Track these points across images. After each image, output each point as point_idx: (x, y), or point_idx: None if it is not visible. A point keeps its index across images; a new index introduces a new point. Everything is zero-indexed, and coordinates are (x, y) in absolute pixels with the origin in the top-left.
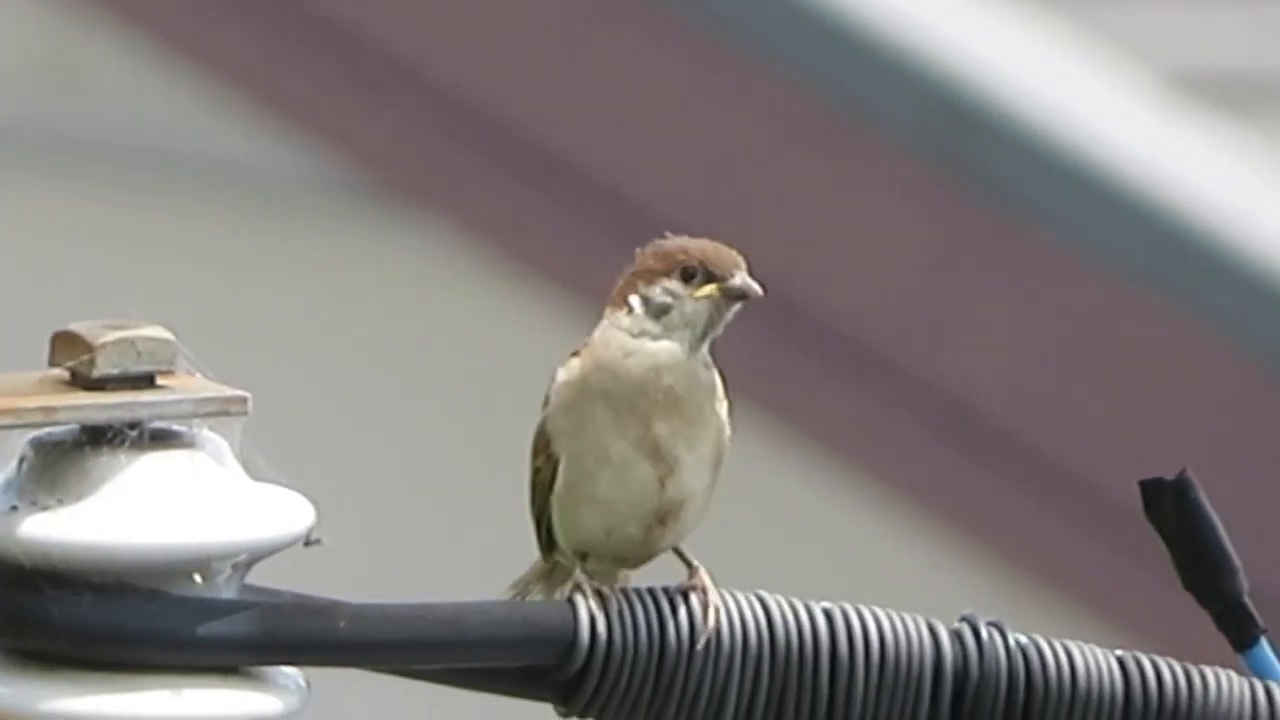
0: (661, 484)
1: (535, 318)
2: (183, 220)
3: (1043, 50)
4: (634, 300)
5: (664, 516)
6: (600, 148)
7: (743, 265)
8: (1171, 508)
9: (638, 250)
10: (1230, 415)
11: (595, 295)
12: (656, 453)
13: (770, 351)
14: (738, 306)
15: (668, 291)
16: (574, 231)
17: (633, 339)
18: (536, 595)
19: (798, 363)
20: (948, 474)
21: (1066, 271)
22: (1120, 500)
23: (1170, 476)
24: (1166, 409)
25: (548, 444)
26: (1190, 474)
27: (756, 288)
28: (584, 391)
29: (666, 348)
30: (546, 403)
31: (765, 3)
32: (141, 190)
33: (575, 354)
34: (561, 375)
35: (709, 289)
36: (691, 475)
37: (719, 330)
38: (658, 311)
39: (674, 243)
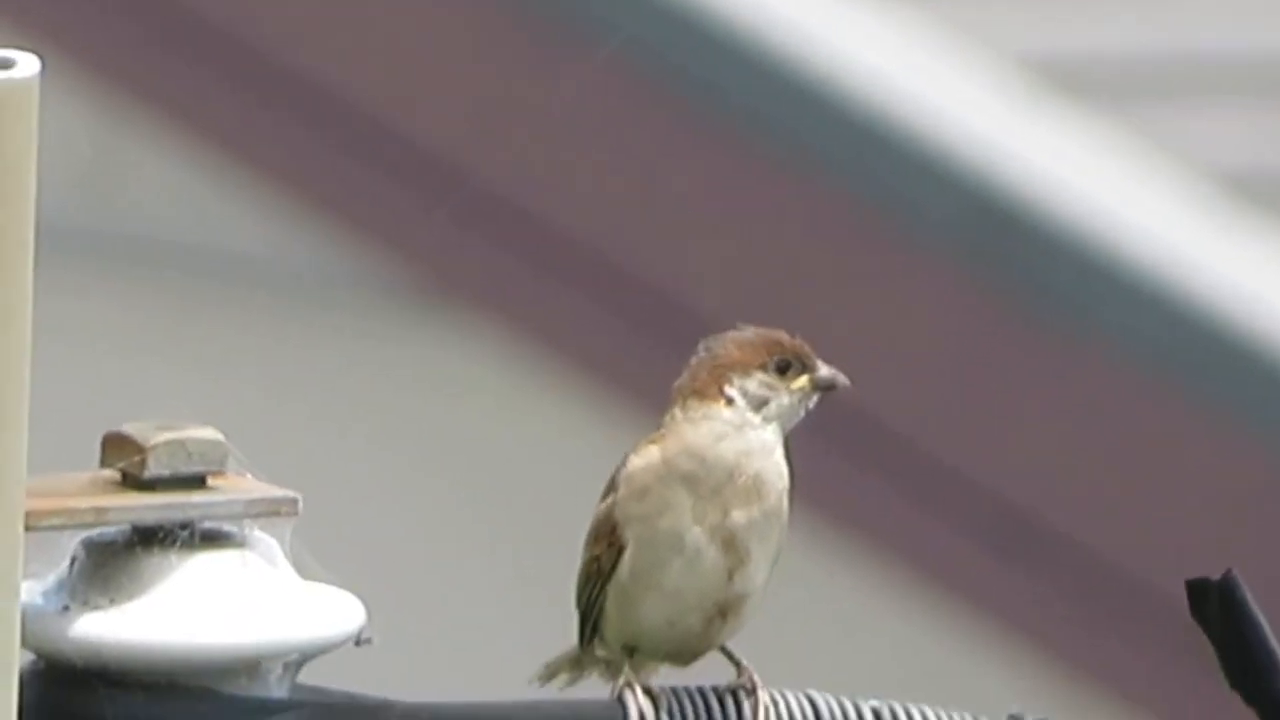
0: (730, 576)
1: (577, 417)
2: (231, 319)
3: (1079, 150)
4: (733, 392)
5: (726, 610)
6: (640, 244)
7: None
8: (1217, 607)
9: (706, 341)
10: (1272, 510)
11: (637, 392)
12: (730, 543)
13: (810, 447)
14: (816, 399)
15: (764, 384)
16: (616, 330)
17: (732, 428)
18: (563, 681)
19: (837, 459)
20: (991, 571)
21: (1113, 373)
22: (1165, 597)
23: (1215, 576)
24: (1208, 505)
25: (613, 530)
26: (1235, 574)
27: (845, 379)
28: (665, 476)
29: (761, 437)
30: (613, 489)
31: (791, 101)
32: (190, 290)
33: (652, 441)
34: (636, 461)
35: (802, 381)
36: (757, 569)
37: (796, 423)
38: (757, 404)
39: (757, 334)
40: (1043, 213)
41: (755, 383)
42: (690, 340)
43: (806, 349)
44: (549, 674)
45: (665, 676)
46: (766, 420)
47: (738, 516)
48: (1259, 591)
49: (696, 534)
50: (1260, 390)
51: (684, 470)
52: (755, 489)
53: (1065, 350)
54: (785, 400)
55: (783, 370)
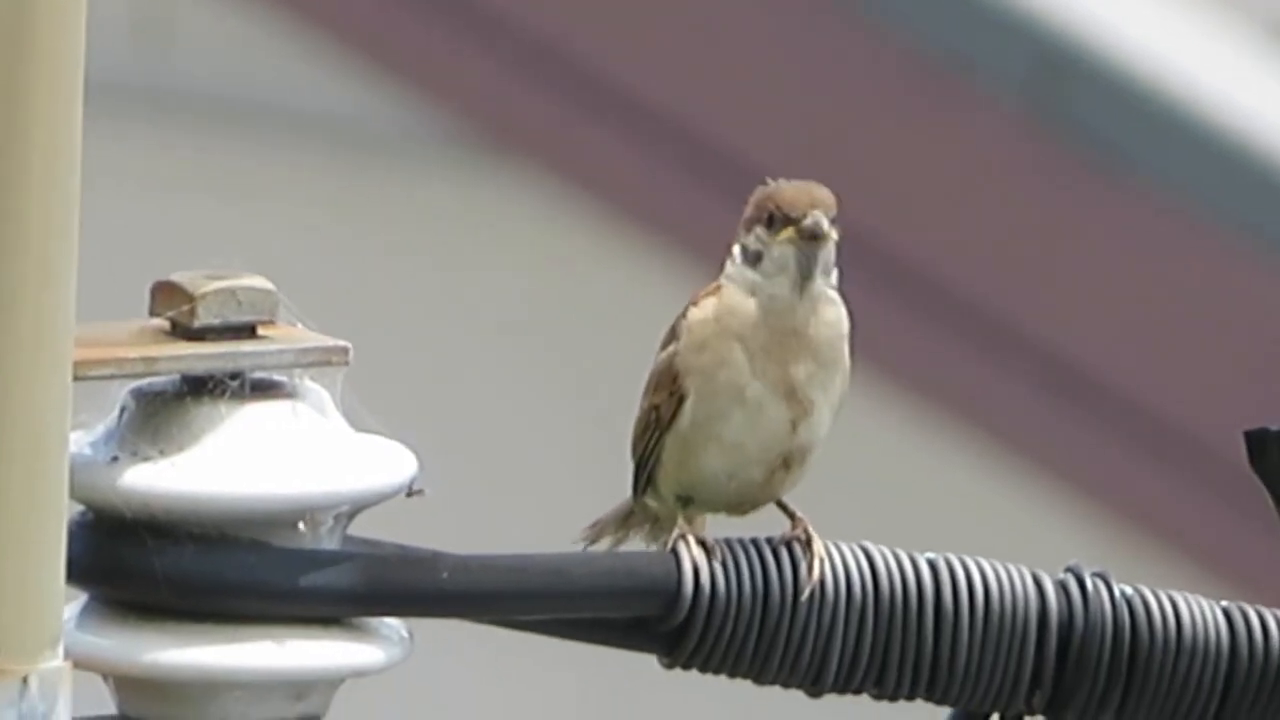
0: (794, 427)
1: (635, 267)
2: (283, 170)
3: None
4: (735, 249)
5: (790, 460)
6: (701, 98)
7: (821, 204)
8: (1277, 459)
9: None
10: None
11: (694, 243)
12: (792, 395)
13: (870, 303)
14: (827, 248)
15: (758, 239)
16: (673, 180)
17: (747, 284)
18: (609, 543)
19: (898, 314)
20: (1050, 425)
21: (1168, 223)
22: (1225, 451)
23: (1276, 427)
24: (1271, 360)
25: (674, 379)
26: None
27: (824, 227)
28: (719, 332)
29: (771, 294)
30: (674, 337)
31: None
32: (241, 141)
33: (709, 292)
34: (696, 313)
35: (787, 232)
36: (820, 419)
37: (819, 272)
38: (753, 259)
39: (767, 189)
40: (1103, 61)
41: (752, 238)
42: (743, 190)
43: (799, 199)
44: (595, 535)
45: (719, 528)
46: (767, 275)
47: (796, 370)
48: None
49: (757, 388)
50: None
51: (733, 327)
52: (803, 343)
53: (1124, 200)
54: (775, 253)
55: (770, 224)
